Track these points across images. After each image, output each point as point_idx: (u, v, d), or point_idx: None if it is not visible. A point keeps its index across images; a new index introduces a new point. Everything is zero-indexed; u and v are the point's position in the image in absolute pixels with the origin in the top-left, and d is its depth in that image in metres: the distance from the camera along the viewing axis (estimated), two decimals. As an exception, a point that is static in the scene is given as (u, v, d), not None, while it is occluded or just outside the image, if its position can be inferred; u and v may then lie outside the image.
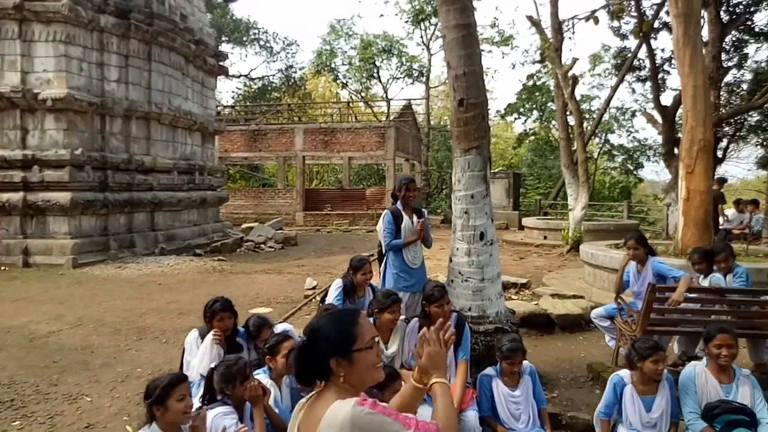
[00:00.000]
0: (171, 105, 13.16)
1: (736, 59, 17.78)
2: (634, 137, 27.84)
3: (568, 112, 13.14)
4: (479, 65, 4.34)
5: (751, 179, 31.01)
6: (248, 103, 32.15)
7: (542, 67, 24.36)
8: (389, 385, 3.08)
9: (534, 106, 27.69)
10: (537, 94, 26.89)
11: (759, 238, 9.42)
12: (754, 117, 18.18)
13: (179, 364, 3.70)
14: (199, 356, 3.45)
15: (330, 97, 36.34)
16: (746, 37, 17.41)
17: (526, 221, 16.03)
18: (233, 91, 38.75)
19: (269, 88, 34.86)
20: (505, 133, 39.40)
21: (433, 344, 1.72)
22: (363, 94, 33.36)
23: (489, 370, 3.68)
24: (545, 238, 14.08)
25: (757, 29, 17.04)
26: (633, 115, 26.73)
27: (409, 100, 25.05)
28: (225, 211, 19.24)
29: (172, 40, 12.82)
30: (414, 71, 29.44)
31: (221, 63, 16.30)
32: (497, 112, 29.72)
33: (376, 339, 1.74)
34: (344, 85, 32.43)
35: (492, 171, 22.72)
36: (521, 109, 28.08)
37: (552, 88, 19.36)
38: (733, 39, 17.32)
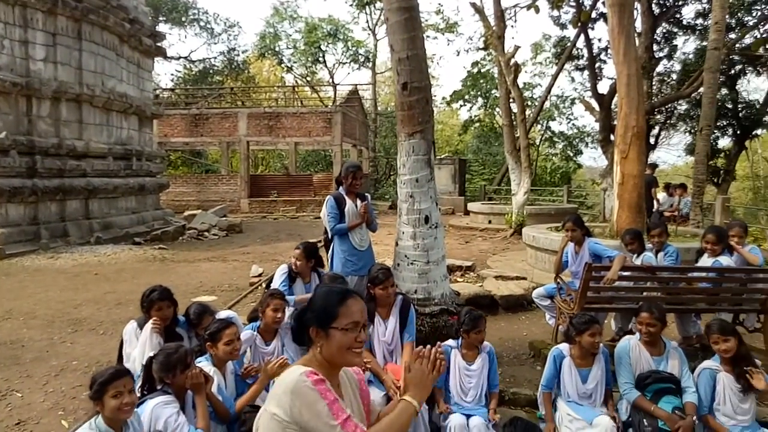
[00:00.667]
0: (104, 87, 12.49)
1: (666, 50, 18.68)
2: (573, 124, 28.88)
3: (511, 99, 13.42)
4: (422, 49, 4.35)
5: (681, 165, 32.82)
6: (189, 87, 30.99)
7: (486, 54, 24.78)
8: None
9: (479, 93, 28.13)
10: (482, 81, 27.32)
11: (687, 219, 9.99)
12: (683, 106, 19.18)
13: (117, 356, 3.56)
14: (140, 347, 3.34)
15: (275, 82, 35.59)
16: (675, 30, 18.31)
17: (471, 206, 16.33)
18: (172, 74, 37.16)
19: (211, 71, 33.72)
20: (451, 120, 39.92)
21: (424, 363, 1.71)
22: (309, 79, 32.87)
23: (450, 342, 3.74)
24: (490, 222, 14.40)
25: (684, 22, 17.94)
26: (572, 103, 27.67)
27: (356, 85, 24.84)
28: (166, 198, 18.58)
29: (104, 18, 12.14)
30: (360, 56, 29.29)
31: (158, 44, 15.59)
32: (443, 99, 30.04)
33: (363, 325, 1.75)
34: (289, 69, 31.86)
35: (438, 157, 23.16)
36: (466, 96, 28.46)
37: (495, 75, 19.74)
38: (664, 31, 18.17)
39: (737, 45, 16.69)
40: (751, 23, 16.66)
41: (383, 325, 3.70)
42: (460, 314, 3.86)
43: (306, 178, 21.97)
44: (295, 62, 31.22)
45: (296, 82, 32.16)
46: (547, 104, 25.95)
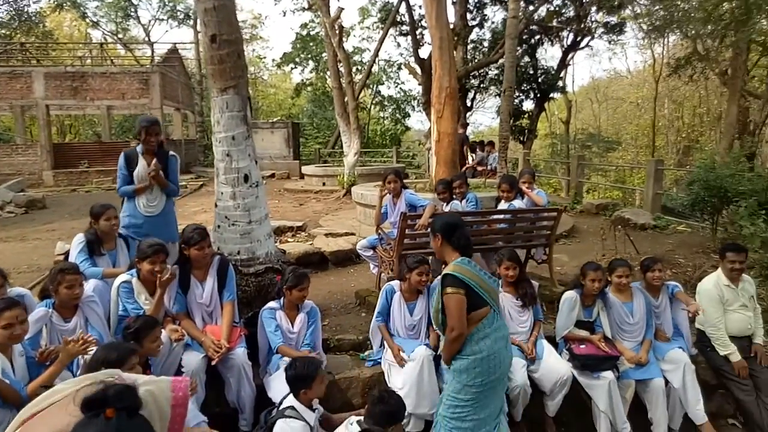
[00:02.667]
0: None
1: (478, 19, 20.25)
2: (401, 89, 30.12)
3: (338, 62, 13.52)
4: (231, 0, 4.15)
5: (495, 126, 36.35)
6: (-37, 41, 25.82)
7: (315, 16, 24.49)
8: (148, 333, 2.94)
9: (310, 56, 27.80)
10: (312, 44, 27.01)
11: (495, 173, 11.15)
12: (493, 71, 21.07)
13: None
14: None
15: (80, 38, 31.24)
16: (486, 0, 19.89)
17: (305, 169, 16.32)
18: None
19: (-8, 23, 28.41)
20: (284, 83, 39.03)
21: None
22: (120, 36, 29.47)
23: (272, 303, 3.80)
24: (324, 184, 14.56)
25: (493, -7, 19.56)
26: (399, 67, 28.75)
27: (176, 44, 22.87)
28: (-58, 174, 15.51)
29: None
30: (179, 12, 26.97)
31: None
32: (273, 60, 29.15)
33: None
34: (95, 25, 28.18)
35: (271, 121, 22.61)
36: (297, 59, 27.96)
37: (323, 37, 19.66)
38: (476, 1, 19.64)
39: (534, 16, 18.69)
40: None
41: (200, 287, 3.59)
42: (284, 272, 3.90)
43: (123, 146, 19.82)
44: (102, 17, 27.69)
45: (105, 39, 28.62)
46: (375, 68, 26.65)
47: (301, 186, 15.04)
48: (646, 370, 3.96)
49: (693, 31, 12.87)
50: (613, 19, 19.10)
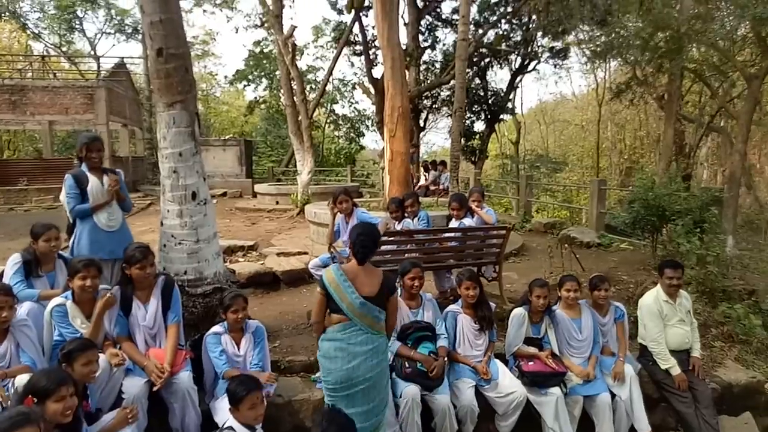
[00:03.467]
0: None
1: (430, 41, 20.74)
2: (355, 108, 30.33)
3: (292, 80, 13.48)
4: (178, 13, 4.07)
5: (448, 146, 36.97)
6: None
7: (268, 33, 24.43)
8: (79, 356, 2.79)
9: (263, 73, 27.64)
10: (265, 61, 26.88)
11: (447, 192, 11.33)
12: (445, 92, 21.57)
13: None
14: None
15: (20, 50, 29.97)
16: (437, 23, 20.42)
17: (258, 188, 16.09)
18: None
19: (-77, 31, 26.94)
20: (237, 101, 38.59)
21: None
22: (64, 50, 28.45)
23: (217, 328, 3.69)
24: (277, 203, 14.38)
25: (444, 16, 20.11)
26: (353, 87, 28.97)
27: (123, 58, 22.21)
28: None
29: None
30: (127, 27, 26.31)
31: None
32: (225, 77, 28.80)
33: None
34: (37, 36, 27.13)
35: (223, 138, 22.21)
36: (250, 77, 27.76)
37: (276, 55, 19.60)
38: (427, 23, 20.11)
39: (484, 39, 19.29)
40: (492, 20, 19.36)
41: (143, 309, 3.45)
42: (223, 297, 3.80)
43: (65, 162, 18.93)
44: (44, 28, 26.70)
45: (47, 51, 27.55)
46: (329, 87, 26.73)
47: (254, 205, 14.80)
48: (592, 386, 4.05)
49: (632, 58, 13.54)
50: (558, 44, 19.98)
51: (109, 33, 27.31)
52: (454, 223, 5.44)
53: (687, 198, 6.81)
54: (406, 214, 5.45)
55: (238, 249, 7.67)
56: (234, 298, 3.60)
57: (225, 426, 2.83)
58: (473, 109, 20.99)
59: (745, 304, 5.87)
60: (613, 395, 4.05)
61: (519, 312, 4.15)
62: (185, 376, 3.34)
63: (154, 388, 3.22)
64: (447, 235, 5.19)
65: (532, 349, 4.09)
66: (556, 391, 3.88)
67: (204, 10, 30.82)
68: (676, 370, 4.27)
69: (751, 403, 4.72)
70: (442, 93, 21.86)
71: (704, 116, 19.08)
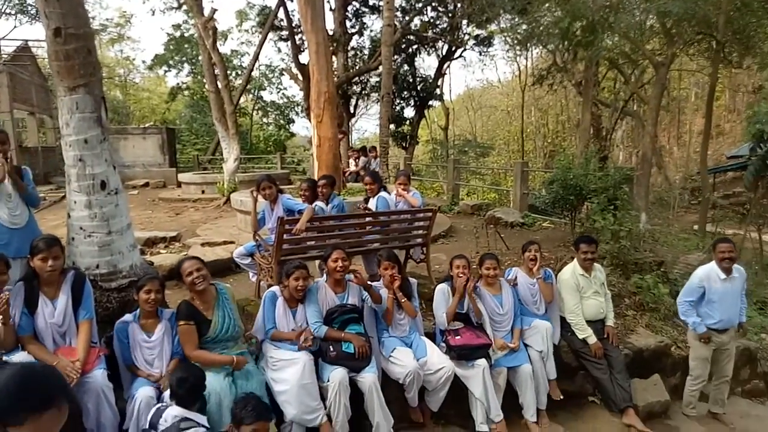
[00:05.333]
0: None
1: (357, 27, 20.57)
2: (283, 94, 29.67)
3: (214, 65, 12.99)
4: (78, -10, 3.79)
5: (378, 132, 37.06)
6: None
7: (189, 17, 23.36)
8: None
9: (185, 58, 26.46)
10: (186, 46, 25.74)
11: (377, 177, 11.37)
12: (374, 78, 21.53)
13: None
14: None
15: None
16: (364, 9, 20.26)
17: (182, 177, 15.46)
18: None
19: None
20: (159, 87, 36.78)
21: None
22: (-41, 31, 25.96)
23: (127, 317, 3.54)
24: (203, 192, 13.89)
25: (371, 3, 19.98)
26: (281, 73, 28.31)
27: (27, 41, 20.52)
28: None
29: None
30: (30, 7, 24.29)
31: None
32: (143, 62, 27.33)
33: None
34: (-75, 16, 24.56)
35: (143, 126, 21.12)
36: (170, 62, 26.50)
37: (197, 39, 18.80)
38: (354, 9, 19.92)
39: (411, 26, 19.39)
40: (418, 7, 19.47)
41: (50, 305, 3.22)
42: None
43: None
44: (-67, 7, 24.18)
45: (-62, 32, 25.01)
46: (256, 73, 26.02)
47: (179, 195, 14.22)
48: (515, 357, 4.24)
49: (551, 46, 14.09)
50: (483, 33, 20.40)
51: (10, 14, 25.10)
52: (372, 201, 5.44)
53: (602, 177, 7.19)
54: (319, 197, 5.39)
55: (160, 240, 7.36)
56: (149, 279, 3.46)
57: None
58: (403, 95, 21.09)
59: (655, 275, 6.32)
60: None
61: (442, 287, 4.31)
62: (99, 374, 3.16)
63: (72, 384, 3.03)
64: (369, 219, 5.19)
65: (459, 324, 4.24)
66: (482, 362, 4.01)
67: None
68: (592, 339, 4.53)
69: (659, 365, 5.11)
70: (371, 79, 21.82)
71: (619, 101, 20.21)
